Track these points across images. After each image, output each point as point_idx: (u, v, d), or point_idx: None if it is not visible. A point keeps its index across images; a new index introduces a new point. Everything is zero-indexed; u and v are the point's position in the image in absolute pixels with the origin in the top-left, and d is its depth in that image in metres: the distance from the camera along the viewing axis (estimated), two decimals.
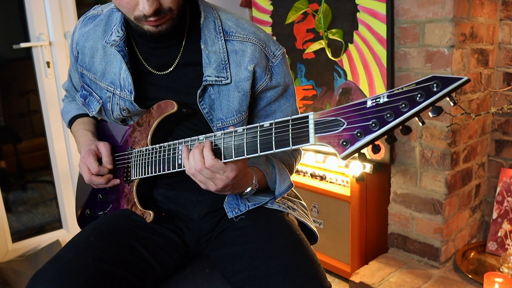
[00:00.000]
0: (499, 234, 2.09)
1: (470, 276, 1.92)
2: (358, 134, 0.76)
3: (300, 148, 1.26)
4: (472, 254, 2.13)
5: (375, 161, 2.11)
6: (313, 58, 2.27)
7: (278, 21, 2.40)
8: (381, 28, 1.96)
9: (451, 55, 1.84)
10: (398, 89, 0.75)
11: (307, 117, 0.82)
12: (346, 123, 0.78)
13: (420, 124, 0.77)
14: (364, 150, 0.79)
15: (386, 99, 0.75)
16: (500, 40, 2.07)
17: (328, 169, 2.24)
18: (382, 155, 2.07)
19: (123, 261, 1.02)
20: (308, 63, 2.30)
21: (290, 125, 0.85)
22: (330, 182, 2.22)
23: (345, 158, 0.78)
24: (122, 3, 0.98)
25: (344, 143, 0.77)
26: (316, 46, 2.23)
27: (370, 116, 0.76)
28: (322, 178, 2.25)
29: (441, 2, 1.81)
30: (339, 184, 2.17)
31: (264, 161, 1.12)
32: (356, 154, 0.79)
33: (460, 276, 1.97)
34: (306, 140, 0.82)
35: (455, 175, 2.00)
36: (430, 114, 0.74)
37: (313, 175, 2.29)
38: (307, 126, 0.82)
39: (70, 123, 1.32)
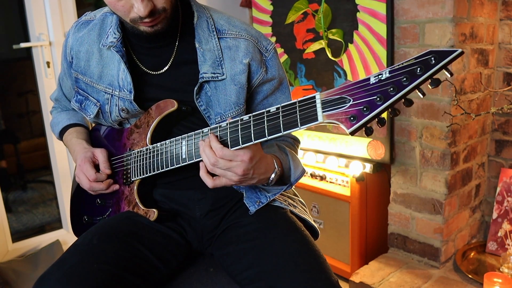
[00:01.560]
0: (499, 234, 2.09)
1: (470, 276, 1.92)
2: (365, 109, 0.80)
3: (298, 138, 1.29)
4: (472, 254, 2.13)
5: (375, 161, 2.11)
6: (313, 58, 2.27)
7: (278, 21, 2.40)
8: (381, 28, 1.96)
9: None
10: (398, 65, 0.79)
11: (313, 97, 0.86)
12: (352, 100, 0.82)
13: (421, 96, 0.81)
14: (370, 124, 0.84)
15: (388, 75, 0.79)
16: (500, 40, 2.07)
17: (328, 169, 2.24)
18: (382, 155, 2.07)
19: (127, 263, 1.02)
20: (308, 63, 2.30)
21: (297, 107, 0.87)
22: (330, 182, 2.22)
23: (353, 132, 0.82)
24: (117, 7, 1.00)
25: (352, 118, 0.81)
26: (316, 46, 2.23)
27: (374, 91, 0.80)
28: (322, 178, 2.25)
29: (441, 2, 1.81)
30: (339, 184, 2.17)
31: (277, 149, 1.13)
32: (363, 129, 0.82)
33: (460, 276, 1.97)
34: (314, 119, 0.85)
35: (455, 175, 2.00)
36: (430, 86, 0.79)
37: (313, 175, 2.29)
38: (315, 106, 0.85)
39: (61, 134, 1.32)
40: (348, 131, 0.81)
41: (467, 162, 2.07)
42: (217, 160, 0.95)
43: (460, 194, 2.08)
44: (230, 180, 0.98)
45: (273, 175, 1.04)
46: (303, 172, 1.14)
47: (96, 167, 1.17)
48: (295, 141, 1.26)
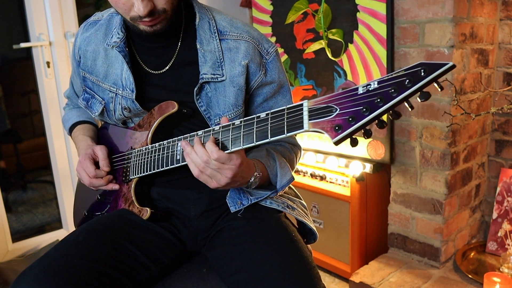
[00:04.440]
0: (499, 234, 2.09)
1: (470, 276, 1.92)
2: (350, 119, 0.78)
3: (300, 145, 1.28)
4: (472, 254, 2.13)
5: (375, 161, 2.11)
6: (313, 58, 2.27)
7: (278, 21, 2.40)
8: (381, 28, 1.96)
9: (451, 55, 1.84)
10: (388, 76, 0.78)
11: (301, 105, 0.85)
12: (338, 109, 0.80)
13: (409, 109, 0.79)
14: (356, 135, 0.83)
15: (376, 85, 0.78)
16: (500, 40, 2.07)
17: (328, 169, 2.24)
18: (382, 155, 2.07)
19: (111, 260, 1.02)
20: (308, 63, 2.30)
21: (285, 114, 0.87)
22: (330, 182, 2.22)
23: (337, 143, 0.80)
24: (119, 4, 1.02)
25: (337, 128, 0.79)
26: (316, 46, 2.23)
27: (361, 102, 0.78)
28: (322, 178, 2.25)
29: (441, 2, 1.81)
30: (339, 184, 2.17)
31: (265, 154, 1.13)
32: (349, 139, 0.81)
33: (460, 276, 1.97)
34: (300, 126, 0.84)
35: (455, 175, 2.00)
36: (418, 99, 0.77)
37: (313, 175, 2.29)
38: (302, 114, 0.84)
39: (71, 130, 1.35)
40: (332, 141, 0.80)
41: (467, 162, 2.07)
42: (209, 161, 0.95)
43: (460, 194, 2.08)
44: (217, 181, 0.98)
45: (252, 179, 1.05)
46: (291, 180, 1.13)
47: (96, 164, 1.18)
48: (294, 147, 1.25)
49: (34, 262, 0.98)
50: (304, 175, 2.33)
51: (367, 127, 0.79)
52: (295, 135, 1.26)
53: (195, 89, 1.11)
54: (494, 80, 2.11)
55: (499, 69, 2.09)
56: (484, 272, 1.84)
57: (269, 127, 0.89)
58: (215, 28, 1.13)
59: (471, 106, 2.00)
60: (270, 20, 2.43)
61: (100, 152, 1.18)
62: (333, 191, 2.18)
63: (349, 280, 2.06)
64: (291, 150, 1.23)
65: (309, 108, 0.84)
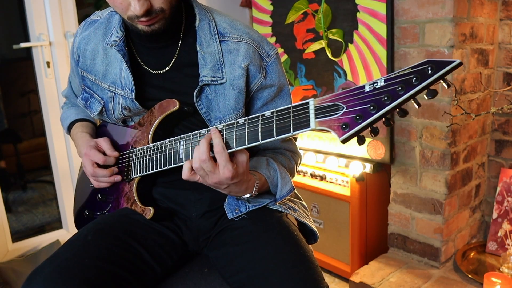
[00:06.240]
0: (499, 234, 2.09)
1: (470, 276, 1.92)
2: (357, 117, 0.78)
3: (299, 152, 1.27)
4: (472, 254, 2.13)
5: (375, 161, 2.11)
6: (313, 58, 2.27)
7: (278, 21, 2.40)
8: (381, 28, 1.96)
9: (451, 55, 1.84)
10: (394, 74, 0.77)
11: (307, 103, 0.84)
12: (345, 107, 0.80)
13: (416, 106, 0.78)
14: (362, 133, 0.82)
15: (383, 83, 0.77)
16: (500, 40, 2.07)
17: (328, 169, 2.24)
18: (382, 155, 2.07)
19: (121, 260, 1.02)
20: (308, 63, 2.30)
21: (291, 112, 0.86)
22: (330, 182, 2.22)
23: (344, 141, 0.80)
24: (116, 4, 1.01)
25: (344, 126, 0.79)
26: (316, 46, 2.23)
27: (368, 100, 0.78)
28: (322, 178, 2.25)
29: (441, 2, 1.81)
30: (339, 184, 2.17)
31: (266, 165, 1.12)
32: (355, 138, 0.81)
33: (460, 276, 1.97)
34: (307, 125, 0.84)
35: (455, 175, 2.00)
36: (426, 97, 0.76)
37: (313, 175, 2.29)
38: (308, 112, 0.84)
39: (69, 128, 1.34)
40: (339, 139, 0.79)
41: (467, 162, 2.07)
42: (206, 160, 0.94)
43: (460, 194, 2.08)
44: (204, 181, 0.99)
45: (246, 196, 1.05)
46: (291, 191, 1.12)
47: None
48: (294, 155, 1.24)
49: (45, 262, 0.98)
50: (304, 175, 2.33)
51: (374, 125, 0.79)
52: (295, 142, 1.26)
53: (195, 91, 1.10)
54: (494, 80, 2.11)
55: (499, 69, 2.09)
56: (484, 272, 1.84)
57: (274, 126, 0.88)
58: (215, 29, 1.12)
59: (471, 106, 2.00)
60: (270, 20, 2.43)
61: (104, 142, 1.18)
62: (333, 191, 2.18)
63: (349, 280, 2.06)
64: (291, 159, 1.22)
65: (315, 106, 0.83)
